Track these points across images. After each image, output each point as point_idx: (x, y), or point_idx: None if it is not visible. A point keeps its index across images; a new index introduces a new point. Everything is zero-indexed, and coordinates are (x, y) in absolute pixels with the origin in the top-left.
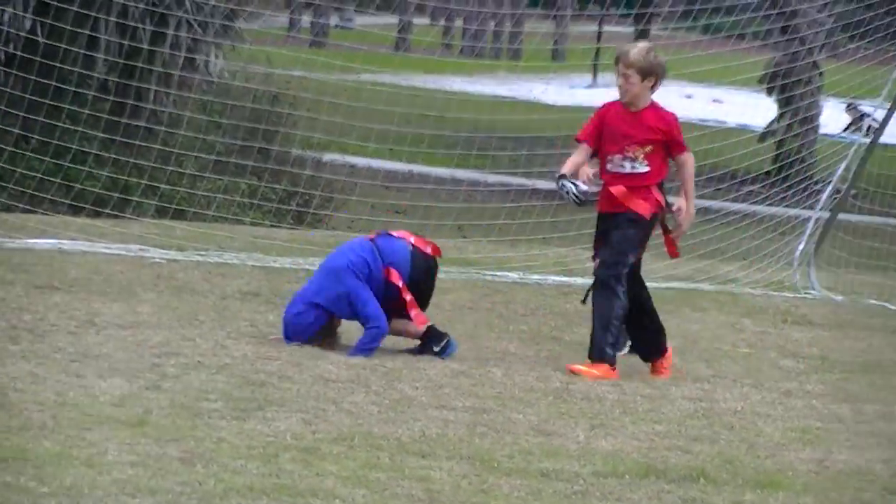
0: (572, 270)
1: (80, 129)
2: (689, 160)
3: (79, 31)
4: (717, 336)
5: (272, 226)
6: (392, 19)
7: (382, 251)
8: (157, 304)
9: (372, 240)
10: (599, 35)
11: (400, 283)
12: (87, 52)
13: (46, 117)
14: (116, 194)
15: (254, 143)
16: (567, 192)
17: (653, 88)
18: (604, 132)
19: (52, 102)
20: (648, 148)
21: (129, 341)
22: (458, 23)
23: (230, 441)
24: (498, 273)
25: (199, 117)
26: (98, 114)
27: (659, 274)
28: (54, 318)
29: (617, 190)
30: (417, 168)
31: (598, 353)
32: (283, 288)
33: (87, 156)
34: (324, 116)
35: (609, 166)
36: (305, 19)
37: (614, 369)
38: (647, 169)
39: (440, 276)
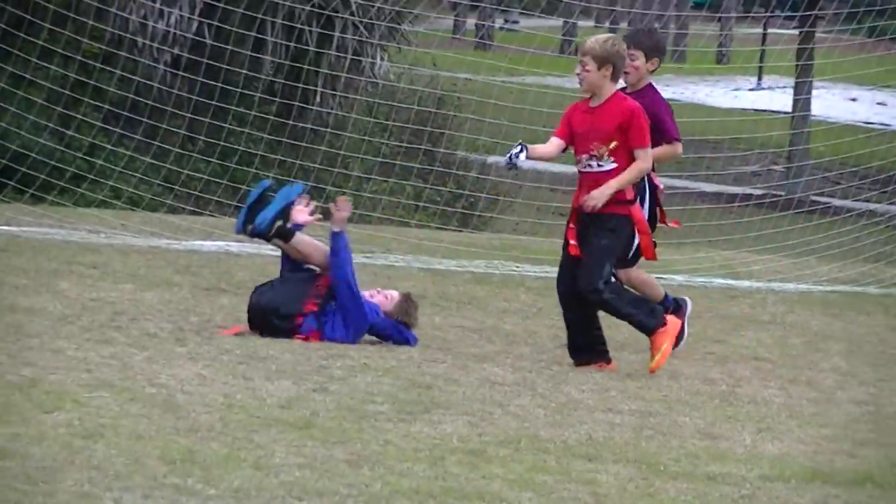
0: (738, 273)
1: (246, 130)
2: (644, 159)
3: (245, 33)
4: (883, 339)
5: (438, 228)
6: (557, 22)
7: None
8: None
9: None
10: (764, 37)
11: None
12: (254, 54)
13: (213, 119)
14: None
15: (419, 146)
16: (508, 154)
17: (613, 78)
18: (572, 134)
19: (218, 104)
20: (612, 144)
21: (295, 344)
22: (623, 25)
23: (396, 444)
24: (663, 275)
25: (365, 119)
26: (265, 115)
27: (823, 277)
28: (221, 320)
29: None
30: None
31: (646, 328)
32: (450, 290)
33: (254, 157)
34: (489, 119)
35: (579, 167)
36: (470, 22)
37: (665, 325)
38: (613, 166)
39: None
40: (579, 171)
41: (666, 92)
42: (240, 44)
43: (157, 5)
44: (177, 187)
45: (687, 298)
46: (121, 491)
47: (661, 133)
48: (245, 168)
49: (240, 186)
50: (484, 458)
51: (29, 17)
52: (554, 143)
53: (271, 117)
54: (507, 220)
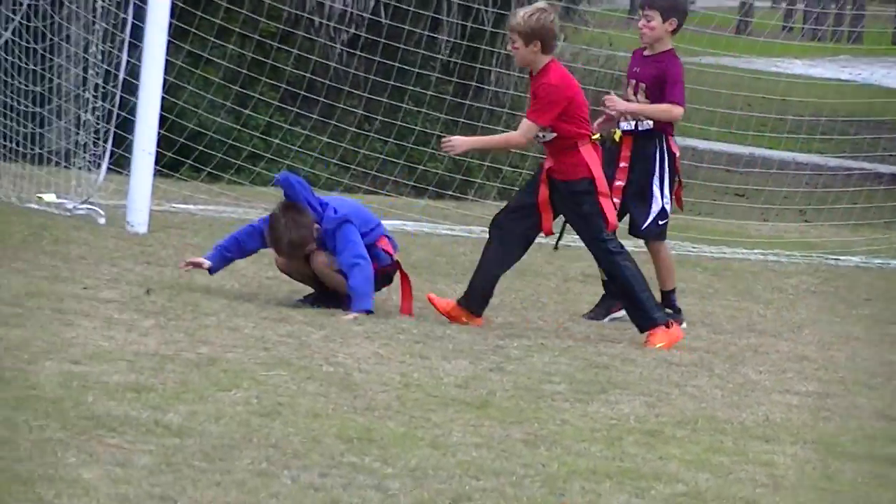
0: None
1: (423, 110)
2: (524, 128)
3: (422, 12)
4: None
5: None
6: (733, 2)
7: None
8: (499, 285)
9: None
10: None
11: (393, 254)
12: (431, 34)
13: (390, 99)
14: (459, 176)
15: None
16: None
17: (544, 51)
18: None
19: (395, 84)
20: None
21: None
22: (800, 6)
23: (573, 423)
24: (841, 257)
25: None
26: (441, 95)
27: None
28: (398, 299)
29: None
30: (759, 152)
31: (647, 320)
32: None
33: (430, 137)
34: None
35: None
36: None
37: (670, 326)
38: (553, 135)
39: (783, 259)
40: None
41: (843, 73)
42: (416, 23)
43: None
44: (353, 167)
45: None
46: (298, 469)
47: (664, 95)
48: (422, 148)
49: (416, 166)
50: (661, 438)
51: None
52: None
53: (448, 97)
54: (683, 201)
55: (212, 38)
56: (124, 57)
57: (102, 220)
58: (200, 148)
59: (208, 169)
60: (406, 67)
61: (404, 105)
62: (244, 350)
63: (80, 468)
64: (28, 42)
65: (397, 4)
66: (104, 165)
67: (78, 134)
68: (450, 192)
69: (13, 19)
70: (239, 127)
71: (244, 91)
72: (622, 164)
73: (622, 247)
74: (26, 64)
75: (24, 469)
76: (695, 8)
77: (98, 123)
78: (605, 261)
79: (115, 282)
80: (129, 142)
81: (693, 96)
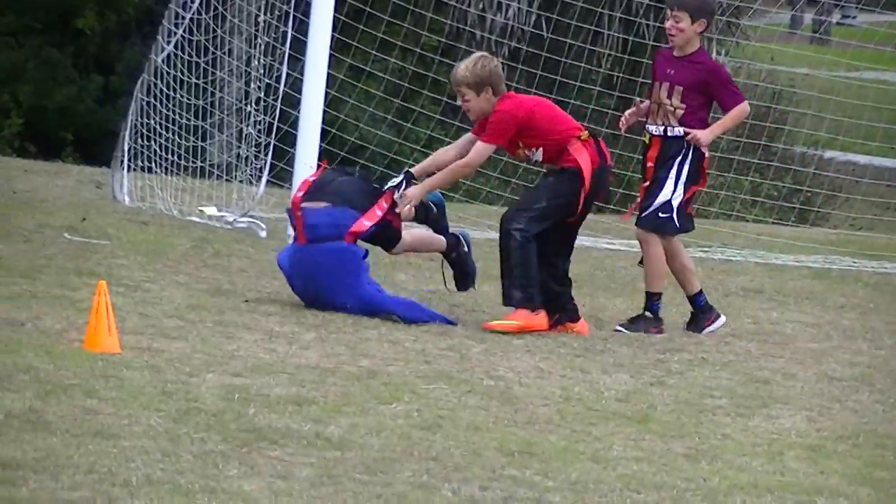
0: None
1: (584, 124)
2: (477, 149)
3: (584, 25)
4: None
5: (775, 223)
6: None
7: None
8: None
9: None
10: None
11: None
12: (592, 47)
13: None
14: (620, 190)
15: (757, 141)
16: None
17: (496, 94)
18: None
19: (556, 97)
20: (520, 142)
21: (633, 337)
22: None
23: (734, 438)
24: None
25: None
26: (603, 109)
27: None
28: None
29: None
30: None
31: (513, 299)
32: (787, 285)
33: None
34: (829, 114)
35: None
36: (808, 17)
37: (533, 313)
38: (541, 150)
39: None
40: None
41: None
42: (577, 36)
43: None
44: (514, 180)
45: (722, 316)
46: (459, 482)
47: (719, 100)
48: None
49: None
50: (822, 453)
51: (368, 9)
52: (447, 152)
53: (609, 111)
54: (844, 216)
55: (374, 52)
56: (284, 70)
57: (264, 234)
58: (362, 161)
59: None
60: (567, 81)
61: None
62: (405, 363)
63: (242, 480)
64: (190, 56)
65: (559, 18)
66: (264, 178)
67: (239, 147)
68: (611, 207)
69: (175, 33)
70: (400, 140)
71: (405, 104)
72: (649, 164)
73: (532, 238)
74: (188, 77)
75: (186, 481)
76: (855, 23)
77: (259, 137)
78: (507, 235)
79: (276, 295)
80: (291, 155)
81: (854, 111)
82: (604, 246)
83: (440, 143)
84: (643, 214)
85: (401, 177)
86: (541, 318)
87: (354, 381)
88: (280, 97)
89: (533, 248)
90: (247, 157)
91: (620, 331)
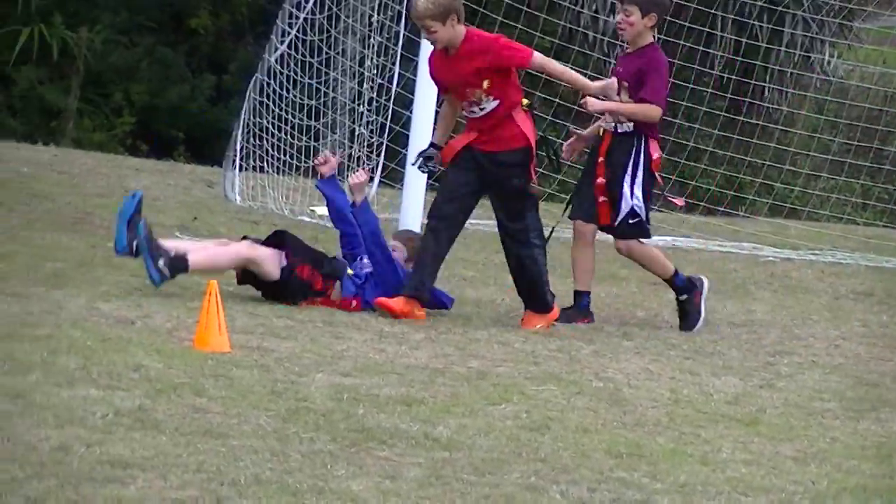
0: None
1: (696, 126)
2: (540, 61)
3: (696, 27)
4: None
5: (885, 226)
6: None
7: None
8: (770, 302)
9: None
10: None
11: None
12: (705, 49)
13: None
14: (731, 192)
15: (869, 144)
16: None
17: (461, 21)
18: (439, 86)
19: (669, 99)
20: (486, 83)
21: (742, 339)
22: None
23: (843, 441)
24: None
25: (815, 116)
26: (714, 111)
27: None
28: (668, 315)
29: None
30: None
31: (540, 304)
32: None
33: (703, 153)
34: None
35: (466, 115)
36: None
37: (550, 312)
38: (496, 103)
39: None
40: (466, 117)
41: None
42: (689, 38)
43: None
44: None
45: (703, 277)
46: (567, 484)
47: (641, 89)
48: (694, 164)
49: (688, 182)
50: None
51: (482, 10)
52: (446, 105)
53: (721, 113)
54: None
55: None
56: (397, 70)
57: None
58: None
59: None
60: (679, 83)
61: (677, 121)
62: (514, 364)
63: (349, 480)
64: (303, 55)
65: (672, 19)
66: (377, 178)
67: (351, 147)
68: (721, 209)
69: (289, 32)
70: None
71: None
72: (600, 159)
73: (542, 237)
74: (301, 77)
75: (294, 481)
76: None
77: (371, 137)
78: (518, 247)
79: None
80: (403, 156)
81: None
82: (714, 248)
83: (551, 144)
84: (616, 224)
85: (427, 147)
86: (553, 314)
87: (463, 382)
88: (393, 97)
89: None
90: (359, 157)
91: None
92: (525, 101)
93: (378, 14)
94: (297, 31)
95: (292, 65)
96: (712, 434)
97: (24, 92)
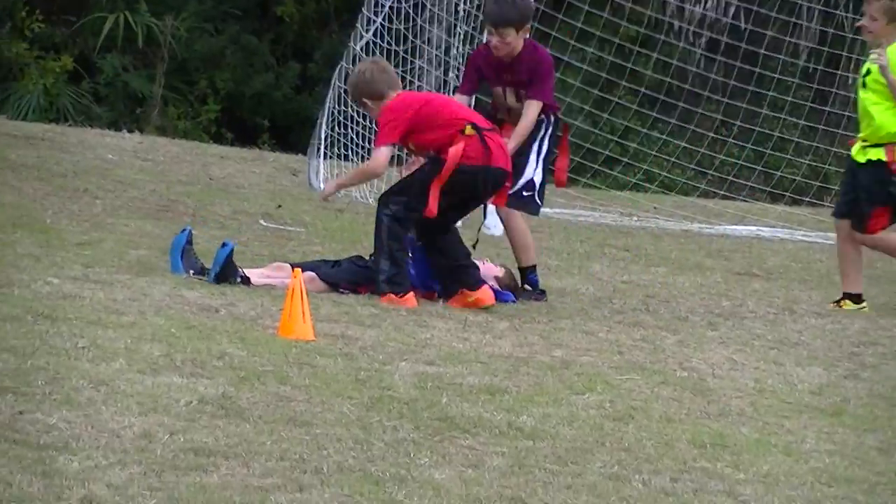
0: None
1: (781, 116)
2: (374, 155)
3: (782, 17)
4: None
5: None
6: None
7: None
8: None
9: None
10: None
11: None
12: (791, 39)
13: (748, 104)
14: (816, 182)
15: None
16: None
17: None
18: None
19: (754, 89)
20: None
21: (827, 330)
22: None
23: None
24: None
25: None
26: (800, 101)
27: None
28: (753, 305)
29: None
30: None
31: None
32: None
33: (788, 144)
34: None
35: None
36: None
37: (398, 296)
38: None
39: None
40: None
41: None
42: (776, 28)
43: None
44: (710, 172)
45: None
46: (650, 473)
47: (531, 86)
48: (779, 154)
49: (774, 173)
50: None
51: None
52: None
53: (807, 104)
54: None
55: (572, 42)
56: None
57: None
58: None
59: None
60: (765, 73)
61: (763, 111)
62: (598, 354)
63: (432, 469)
64: (389, 44)
65: (758, 9)
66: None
67: None
68: (806, 199)
69: (375, 21)
70: (596, 131)
71: (603, 95)
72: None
73: (402, 218)
74: None
75: (377, 469)
76: None
77: None
78: (378, 219)
79: None
80: None
81: None
82: (799, 238)
83: (636, 133)
84: (509, 193)
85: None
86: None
87: (547, 372)
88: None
89: (400, 231)
90: None
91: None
92: (468, 127)
93: (464, 3)
94: (383, 19)
95: (378, 53)
96: (796, 424)
97: (109, 79)
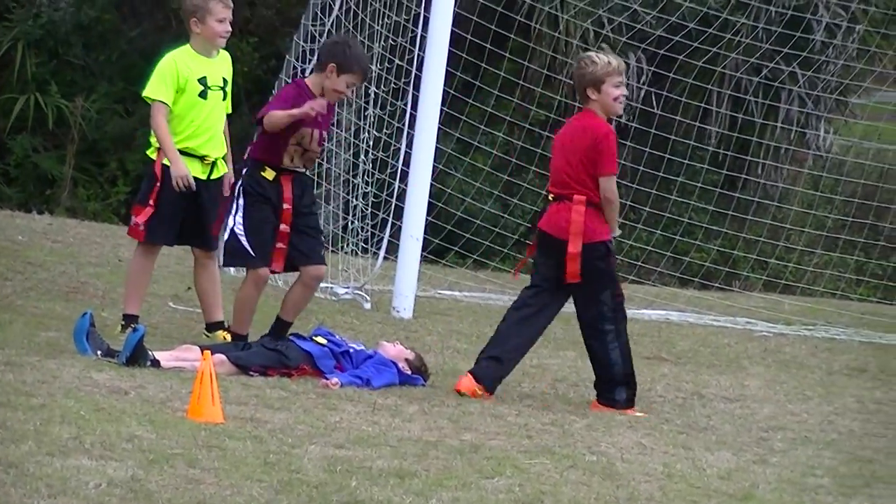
0: None
1: (690, 201)
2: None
3: (692, 102)
4: None
5: (879, 302)
6: None
7: None
8: (764, 377)
9: None
10: None
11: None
12: (700, 125)
13: (657, 189)
14: (725, 268)
15: (864, 220)
16: None
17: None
18: None
19: (663, 174)
20: None
21: (736, 414)
22: None
23: None
24: None
25: (810, 192)
26: (709, 187)
27: None
28: (661, 389)
29: None
30: None
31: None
32: (892, 364)
33: (698, 229)
34: None
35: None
36: None
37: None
38: None
39: None
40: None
41: None
42: (686, 114)
43: None
44: (619, 257)
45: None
46: None
47: None
48: (688, 240)
49: (683, 258)
50: None
51: (478, 83)
52: None
53: (716, 189)
54: None
55: (482, 126)
56: (403, 146)
57: (368, 305)
58: (467, 235)
59: (474, 256)
60: (674, 158)
61: (672, 196)
62: (507, 437)
63: None
64: None
65: (668, 94)
66: (381, 253)
67: (346, 219)
68: (716, 284)
69: None
70: (506, 215)
71: (512, 179)
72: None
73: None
74: None
75: None
76: None
77: (367, 210)
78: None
79: None
80: (397, 227)
81: None
82: (708, 322)
83: None
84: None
85: None
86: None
87: (457, 455)
88: (398, 173)
89: None
90: (353, 230)
91: None
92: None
93: (376, 88)
94: None
95: None
96: None
97: (19, 160)
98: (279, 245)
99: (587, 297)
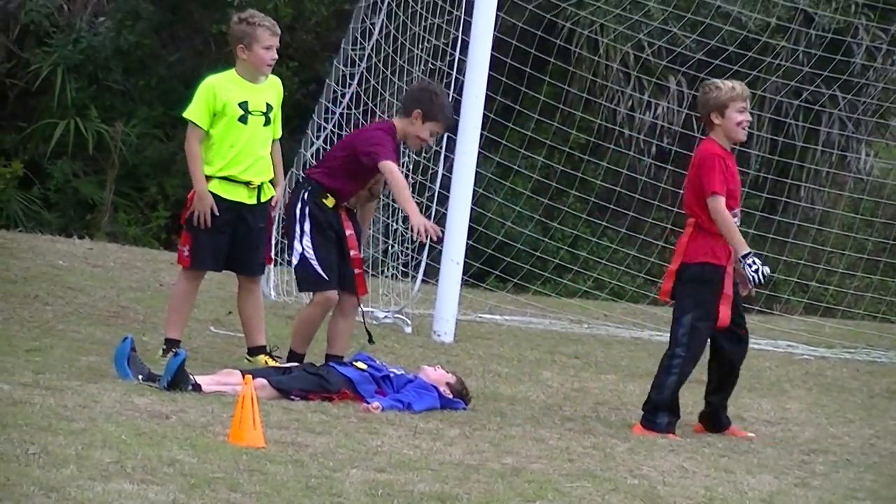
0: None
1: None
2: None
3: None
4: None
5: None
6: None
7: None
8: (805, 400)
9: None
10: None
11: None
12: (741, 149)
13: None
14: (766, 291)
15: None
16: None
17: None
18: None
19: None
20: None
21: (777, 437)
22: None
23: None
24: None
25: (851, 215)
26: (750, 210)
27: None
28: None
29: None
30: None
31: None
32: None
33: None
34: None
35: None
36: None
37: None
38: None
39: None
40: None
41: None
42: None
43: (646, 97)
44: (660, 280)
45: None
46: None
47: None
48: None
49: None
50: None
51: (518, 107)
52: None
53: (756, 212)
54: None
55: (521, 150)
56: (440, 169)
57: (409, 329)
58: (507, 259)
59: (515, 280)
60: None
61: None
62: (549, 461)
63: None
64: None
65: None
66: (419, 276)
67: (386, 243)
68: (756, 307)
69: (325, 127)
70: (546, 239)
71: (552, 203)
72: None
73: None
74: None
75: None
76: None
77: (407, 233)
78: None
79: None
80: (438, 251)
81: None
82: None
83: (586, 241)
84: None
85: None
86: None
87: (498, 479)
88: (435, 197)
89: None
90: (394, 253)
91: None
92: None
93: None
94: (333, 125)
95: None
96: None
97: (59, 185)
98: (357, 271)
99: (673, 317)
